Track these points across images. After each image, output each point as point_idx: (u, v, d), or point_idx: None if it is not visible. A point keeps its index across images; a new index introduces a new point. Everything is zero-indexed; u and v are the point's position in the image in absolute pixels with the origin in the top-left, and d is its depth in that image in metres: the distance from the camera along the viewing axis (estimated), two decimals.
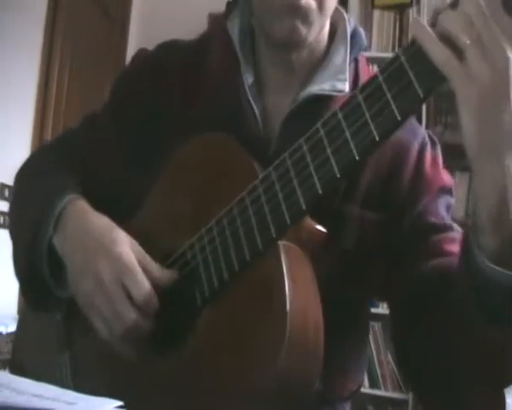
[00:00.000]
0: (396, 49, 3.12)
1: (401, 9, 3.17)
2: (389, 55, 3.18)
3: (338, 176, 0.70)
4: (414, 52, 0.65)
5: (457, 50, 0.60)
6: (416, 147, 0.88)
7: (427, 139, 0.91)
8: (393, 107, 0.66)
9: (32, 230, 0.86)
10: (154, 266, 0.80)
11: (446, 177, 0.90)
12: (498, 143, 0.60)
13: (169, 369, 0.78)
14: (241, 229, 0.76)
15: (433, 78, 0.63)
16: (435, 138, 0.93)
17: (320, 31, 0.88)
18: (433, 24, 0.63)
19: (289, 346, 0.68)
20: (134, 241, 0.81)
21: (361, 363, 0.99)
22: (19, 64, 2.73)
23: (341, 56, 0.89)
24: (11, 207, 1.01)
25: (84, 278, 0.79)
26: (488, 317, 0.66)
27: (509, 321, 0.66)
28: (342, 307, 0.82)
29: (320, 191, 0.71)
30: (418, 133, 0.90)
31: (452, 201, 0.90)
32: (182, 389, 0.77)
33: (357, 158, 0.69)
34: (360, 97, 0.69)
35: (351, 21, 0.92)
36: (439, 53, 0.61)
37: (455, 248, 0.82)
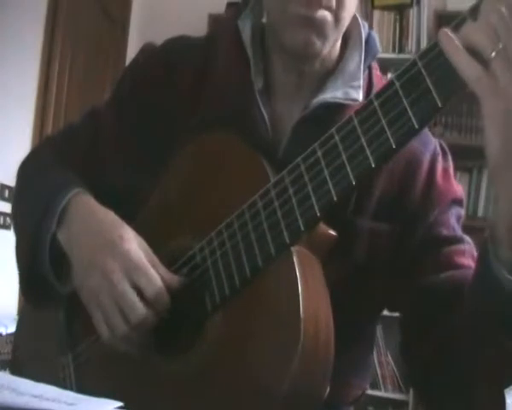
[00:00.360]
0: (396, 50, 3.12)
1: (401, 9, 3.17)
2: (389, 55, 3.19)
3: (354, 183, 0.69)
4: (432, 58, 0.64)
5: (483, 62, 0.59)
6: (427, 158, 0.87)
7: (438, 150, 0.89)
8: (410, 114, 0.65)
9: (35, 225, 0.85)
10: (163, 268, 0.79)
11: (458, 188, 0.89)
12: None
13: (176, 373, 0.77)
14: (252, 234, 0.75)
15: (452, 86, 0.62)
16: (446, 148, 0.91)
17: (334, 43, 0.86)
18: (454, 31, 0.62)
19: (303, 352, 0.67)
20: (142, 239, 0.80)
21: (366, 370, 0.98)
22: (19, 64, 2.74)
23: (355, 63, 0.87)
24: (14, 202, 1.00)
25: (90, 274, 0.78)
26: (507, 330, 0.66)
27: None
28: (351, 317, 0.81)
29: (335, 198, 0.70)
30: (430, 143, 0.89)
31: (463, 212, 0.89)
32: (188, 394, 0.76)
33: (373, 165, 0.68)
34: (376, 103, 0.68)
35: (365, 26, 0.90)
36: (470, 69, 0.59)
37: (466, 260, 0.82)
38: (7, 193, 2.59)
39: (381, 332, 2.87)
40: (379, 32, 3.15)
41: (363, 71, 0.87)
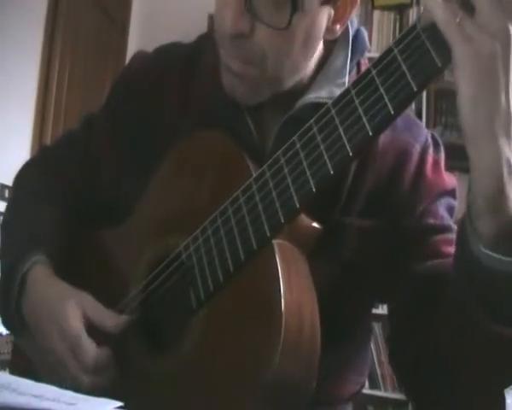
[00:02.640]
0: None
1: (401, 9, 3.17)
2: None
3: (331, 172, 0.69)
4: (407, 44, 0.64)
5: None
6: (417, 150, 0.87)
7: (429, 141, 0.89)
8: (386, 100, 0.65)
9: (2, 282, 0.91)
10: (107, 318, 0.82)
11: (448, 179, 0.89)
12: (493, 118, 0.60)
13: (164, 371, 0.78)
14: (235, 229, 0.75)
15: (427, 70, 0.63)
16: (439, 140, 0.91)
17: (296, 79, 0.83)
18: None
19: (285, 345, 0.67)
20: (83, 300, 0.83)
21: (362, 365, 0.98)
22: (19, 64, 2.74)
23: (341, 60, 0.86)
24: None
25: (45, 352, 0.85)
26: (490, 311, 0.65)
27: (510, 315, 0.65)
28: (344, 313, 0.82)
29: (314, 189, 0.70)
30: (421, 135, 0.89)
31: (454, 203, 0.89)
32: (177, 391, 0.77)
33: (350, 154, 0.68)
34: (353, 92, 0.69)
35: (353, 23, 0.90)
36: (441, 12, 0.60)
37: (453, 249, 0.81)
38: (7, 193, 2.58)
39: (380, 332, 2.87)
40: (379, 32, 3.15)
41: (352, 67, 0.86)
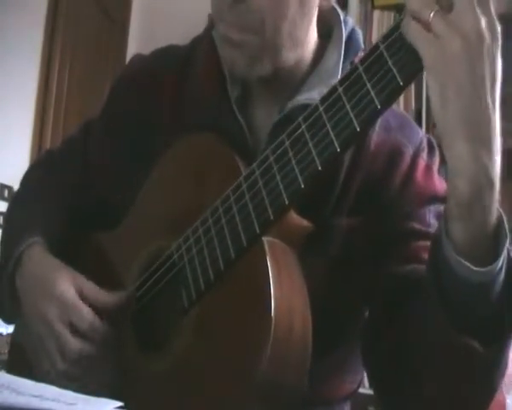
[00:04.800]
0: None
1: (401, 9, 3.15)
2: None
3: (320, 168, 0.69)
4: (393, 40, 0.65)
5: (427, 25, 0.60)
6: (410, 152, 0.86)
7: (423, 145, 0.88)
8: (373, 95, 0.66)
9: (0, 264, 0.93)
10: (98, 294, 0.83)
11: (440, 185, 0.87)
12: (465, 119, 0.59)
13: (156, 370, 0.78)
14: (225, 227, 0.76)
15: (413, 65, 0.63)
16: (434, 144, 0.90)
17: (294, 57, 0.84)
18: None
19: (274, 342, 0.67)
20: (76, 275, 0.85)
21: (358, 365, 0.98)
22: (19, 64, 2.73)
23: (334, 61, 0.86)
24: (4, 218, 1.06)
25: (34, 321, 0.85)
26: (456, 320, 0.65)
27: (480, 328, 0.64)
28: (335, 312, 0.81)
29: (302, 185, 0.70)
30: (415, 138, 0.88)
31: None
32: (168, 390, 0.77)
33: (338, 150, 0.68)
34: (340, 89, 0.69)
35: (348, 23, 0.89)
36: (408, 25, 0.62)
37: None
38: (7, 193, 2.59)
39: None
40: (379, 32, 3.14)
41: (345, 68, 0.86)
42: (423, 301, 0.71)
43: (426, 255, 0.80)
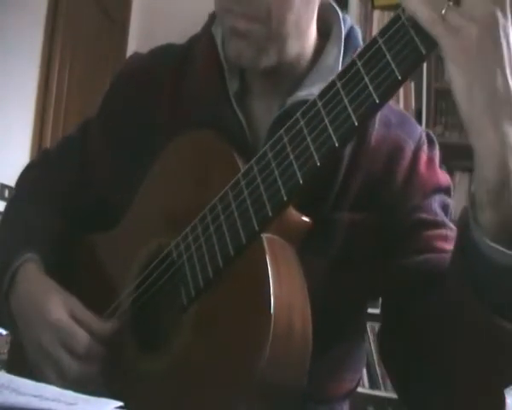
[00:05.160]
0: None
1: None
2: None
3: (318, 164, 0.69)
4: (391, 34, 0.65)
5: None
6: (411, 147, 0.87)
7: (424, 139, 0.89)
8: (371, 90, 0.65)
9: None
10: (92, 321, 0.83)
11: (443, 177, 0.88)
12: (491, 104, 0.59)
13: (156, 369, 0.78)
14: (224, 224, 0.75)
15: (411, 58, 0.63)
16: (434, 138, 0.91)
17: (297, 49, 0.85)
18: None
19: (274, 339, 0.66)
20: (70, 298, 0.85)
21: (357, 363, 0.98)
22: (19, 64, 2.74)
23: (334, 58, 0.86)
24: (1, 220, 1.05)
25: (29, 343, 0.86)
26: (490, 305, 0.65)
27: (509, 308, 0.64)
28: (335, 310, 0.81)
29: (301, 181, 0.70)
30: (415, 133, 0.89)
31: (449, 200, 0.88)
32: (168, 389, 0.76)
33: (336, 145, 0.68)
34: (339, 84, 0.69)
35: (346, 21, 0.90)
36: (423, 12, 0.61)
37: (447, 245, 0.81)
38: (7, 193, 2.59)
39: None
40: None
41: (345, 64, 0.86)
42: (449, 289, 0.71)
43: (438, 243, 0.81)
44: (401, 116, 0.90)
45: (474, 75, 0.60)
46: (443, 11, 0.60)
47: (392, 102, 0.85)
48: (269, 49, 0.81)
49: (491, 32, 0.59)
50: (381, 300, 0.91)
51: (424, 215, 0.84)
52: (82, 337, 0.81)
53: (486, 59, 0.59)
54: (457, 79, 0.60)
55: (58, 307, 0.84)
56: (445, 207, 0.87)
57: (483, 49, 0.59)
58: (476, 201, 0.64)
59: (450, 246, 0.80)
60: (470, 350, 0.70)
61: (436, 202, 0.86)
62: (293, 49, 0.84)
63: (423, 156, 0.87)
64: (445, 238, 0.82)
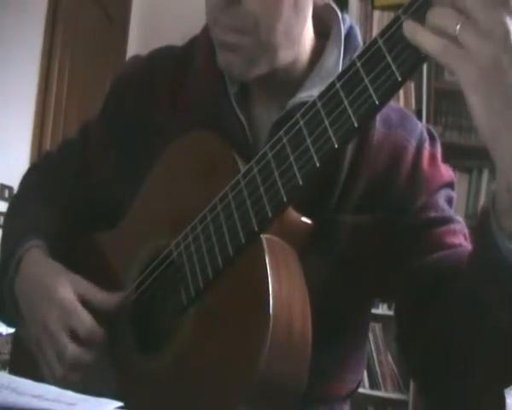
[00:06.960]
0: None
1: None
2: None
3: (318, 165, 0.69)
4: (391, 35, 0.64)
5: (454, 40, 0.58)
6: (413, 145, 0.87)
7: (425, 136, 0.89)
8: (371, 91, 0.65)
9: (1, 267, 0.93)
10: (98, 296, 0.84)
11: (446, 172, 0.88)
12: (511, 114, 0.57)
13: (156, 369, 0.78)
14: (224, 225, 0.75)
15: (411, 60, 0.63)
16: (434, 133, 0.91)
17: (290, 57, 0.84)
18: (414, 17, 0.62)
19: (274, 339, 0.66)
20: (77, 278, 0.85)
21: (359, 364, 0.98)
22: (19, 64, 2.74)
23: (334, 59, 0.86)
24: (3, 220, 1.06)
25: (33, 325, 0.86)
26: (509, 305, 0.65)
27: None
28: (337, 312, 0.81)
29: (300, 182, 0.70)
30: (415, 130, 0.89)
31: (453, 194, 0.89)
32: (168, 390, 0.76)
33: (336, 146, 0.68)
34: (338, 85, 0.69)
35: (346, 21, 0.89)
36: (433, 44, 0.59)
37: (457, 239, 0.82)
38: (7, 193, 2.59)
39: (380, 332, 2.87)
40: None
41: (345, 65, 0.86)
42: (467, 290, 0.71)
43: (448, 239, 0.82)
44: (401, 114, 0.90)
45: (495, 98, 0.57)
46: (457, 27, 0.57)
47: (391, 101, 0.85)
48: (259, 59, 0.81)
49: (507, 47, 0.56)
50: (395, 304, 0.91)
51: (433, 213, 0.84)
52: (85, 320, 0.81)
53: (505, 78, 0.56)
54: (475, 104, 0.57)
55: (65, 287, 0.84)
56: (449, 201, 0.88)
57: (499, 67, 0.56)
58: (499, 206, 0.63)
59: (458, 240, 0.82)
60: (489, 347, 0.70)
61: (442, 197, 0.86)
62: (285, 57, 0.83)
63: (426, 153, 0.87)
64: (453, 233, 0.83)
